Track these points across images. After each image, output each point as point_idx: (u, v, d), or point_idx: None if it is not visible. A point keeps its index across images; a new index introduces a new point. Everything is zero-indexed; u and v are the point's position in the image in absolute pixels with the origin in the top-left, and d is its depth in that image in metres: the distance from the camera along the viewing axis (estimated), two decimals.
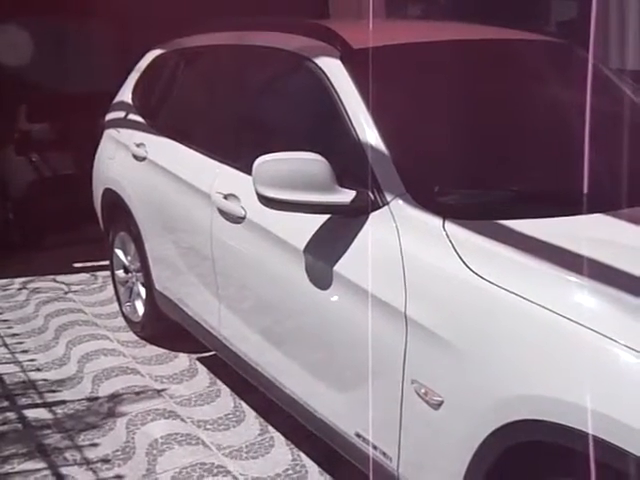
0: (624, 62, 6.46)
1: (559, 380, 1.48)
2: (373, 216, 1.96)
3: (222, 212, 2.57)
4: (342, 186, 1.99)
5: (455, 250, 1.74)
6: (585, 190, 1.84)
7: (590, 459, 1.40)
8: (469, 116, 2.15)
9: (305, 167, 1.97)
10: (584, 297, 1.55)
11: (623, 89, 2.63)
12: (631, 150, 2.04)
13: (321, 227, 2.09)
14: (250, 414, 2.86)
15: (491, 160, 2.11)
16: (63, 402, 3.00)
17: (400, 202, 1.92)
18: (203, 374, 3.22)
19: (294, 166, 1.99)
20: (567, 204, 1.88)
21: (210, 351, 3.10)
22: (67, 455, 2.63)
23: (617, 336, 1.42)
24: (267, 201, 2.01)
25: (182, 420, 2.84)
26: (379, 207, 1.95)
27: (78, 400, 3.02)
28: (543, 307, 1.54)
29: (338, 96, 2.19)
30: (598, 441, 1.39)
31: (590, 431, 1.40)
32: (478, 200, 1.94)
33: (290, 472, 2.49)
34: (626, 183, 1.92)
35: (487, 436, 1.60)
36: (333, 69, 2.27)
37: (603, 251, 1.70)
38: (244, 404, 2.93)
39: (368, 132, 2.07)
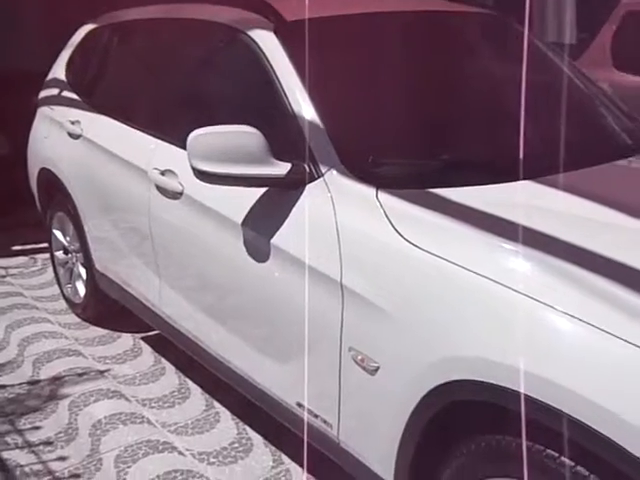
0: (560, 36, 6.59)
1: (489, 342, 1.53)
2: (309, 188, 1.98)
3: (160, 188, 2.54)
4: (278, 159, 2.00)
5: (388, 219, 1.77)
6: (515, 158, 1.89)
7: (522, 417, 1.46)
8: (402, 88, 2.18)
9: (240, 140, 1.97)
10: (515, 262, 1.60)
11: (554, 60, 2.70)
12: (559, 119, 2.10)
13: (258, 200, 2.10)
14: (196, 391, 2.86)
15: (424, 130, 2.14)
16: (3, 387, 2.94)
17: (335, 173, 1.94)
18: (147, 353, 3.20)
19: (229, 139, 1.98)
20: (497, 172, 1.93)
21: (154, 330, 3.09)
22: (8, 439, 2.59)
23: (546, 299, 1.47)
24: (202, 175, 2.00)
25: (126, 399, 2.82)
26: (314, 179, 1.97)
27: (19, 384, 2.96)
28: (474, 272, 1.59)
29: (272, 69, 2.19)
30: (529, 399, 1.43)
31: (521, 390, 1.44)
32: (410, 170, 1.97)
33: (236, 445, 2.52)
34: (554, 150, 1.98)
35: (422, 398, 1.64)
36: (267, 42, 2.26)
37: (532, 217, 1.75)
38: (189, 381, 2.93)
39: (303, 105, 2.07)
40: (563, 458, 1.43)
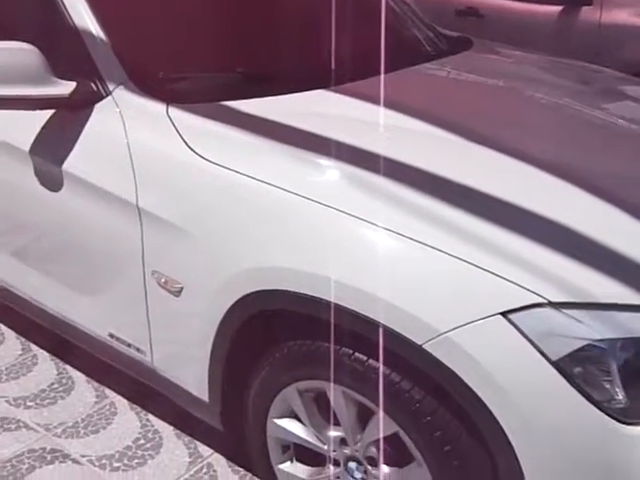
0: None
1: (286, 252, 1.53)
2: (97, 107, 1.84)
3: None
4: (61, 78, 1.84)
5: (180, 135, 1.70)
6: (309, 67, 1.89)
7: (326, 323, 1.49)
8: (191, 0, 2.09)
9: (13, 58, 1.78)
10: (312, 172, 1.60)
11: None
12: (355, 27, 2.11)
13: (45, 125, 1.93)
14: (10, 335, 2.68)
15: (216, 42, 2.05)
16: None
17: (123, 90, 1.82)
18: None
19: (1, 58, 1.80)
20: (291, 82, 1.90)
21: None
22: None
23: (345, 207, 1.48)
24: None
25: None
26: (102, 97, 1.84)
27: None
28: (271, 184, 1.57)
29: None
30: (332, 306, 1.45)
31: (324, 297, 1.46)
32: (202, 83, 1.90)
33: (56, 386, 2.40)
34: (349, 59, 1.99)
35: (226, 312, 1.64)
36: None
37: (327, 125, 1.76)
38: (2, 326, 2.74)
39: (85, 19, 1.90)
40: (371, 361, 1.48)
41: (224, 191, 1.64)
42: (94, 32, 1.89)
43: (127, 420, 2.26)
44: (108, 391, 2.37)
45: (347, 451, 1.62)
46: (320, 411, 1.64)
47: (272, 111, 1.78)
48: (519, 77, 2.46)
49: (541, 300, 1.28)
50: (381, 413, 1.49)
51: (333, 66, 1.94)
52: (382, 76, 2.00)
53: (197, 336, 1.74)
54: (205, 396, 1.81)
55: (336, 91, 1.89)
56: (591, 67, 2.68)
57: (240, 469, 2.06)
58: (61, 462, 2.10)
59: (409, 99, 1.97)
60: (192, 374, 1.82)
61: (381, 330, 1.39)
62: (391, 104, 1.85)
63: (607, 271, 1.33)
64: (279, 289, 1.55)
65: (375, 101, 1.88)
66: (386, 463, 1.56)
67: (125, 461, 2.10)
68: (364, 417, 1.56)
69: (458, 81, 2.35)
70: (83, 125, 1.86)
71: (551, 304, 1.28)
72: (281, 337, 1.64)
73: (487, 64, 2.54)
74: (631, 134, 2.02)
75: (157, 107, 1.77)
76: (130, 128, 1.78)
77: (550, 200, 1.53)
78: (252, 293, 1.58)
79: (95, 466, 2.09)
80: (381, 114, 1.83)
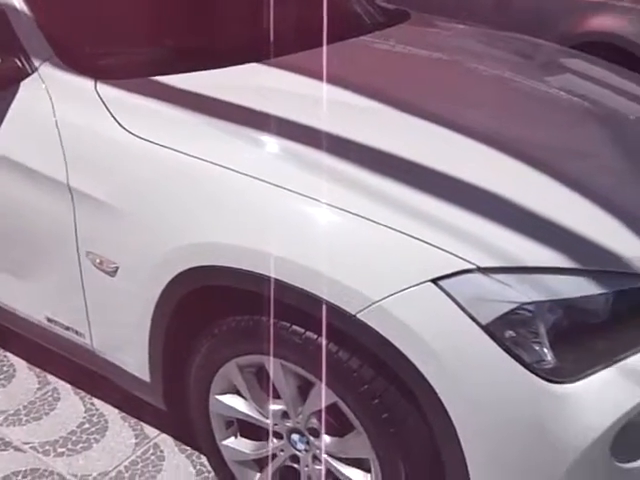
0: None
1: (224, 228, 1.52)
2: (23, 85, 1.79)
3: None
4: None
5: (109, 111, 1.66)
6: (242, 40, 1.86)
7: (264, 297, 1.48)
8: None
9: None
10: (247, 147, 1.58)
11: None
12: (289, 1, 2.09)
13: None
14: None
15: (144, 16, 1.99)
16: None
17: (49, 67, 1.77)
18: None
19: None
20: (223, 55, 1.88)
21: None
22: None
23: (276, 180, 1.47)
24: None
25: None
26: (28, 74, 1.78)
27: None
28: (204, 160, 1.55)
29: None
30: (269, 280, 1.44)
31: (257, 271, 1.45)
32: (131, 58, 1.86)
33: None
34: (283, 31, 1.96)
35: (164, 289, 1.61)
36: None
37: (262, 99, 1.75)
38: None
39: None
40: (308, 333, 1.48)
41: (157, 168, 1.60)
42: (17, 6, 1.82)
43: (71, 405, 2.23)
44: (50, 377, 2.33)
45: (289, 424, 1.63)
46: (261, 385, 1.64)
47: (205, 86, 1.75)
48: (457, 50, 2.47)
49: (470, 266, 1.30)
50: (323, 385, 1.49)
51: (267, 39, 1.91)
52: (318, 49, 1.99)
53: (135, 316, 1.71)
54: (146, 376, 1.79)
55: (270, 64, 1.87)
56: (531, 40, 2.70)
57: (187, 448, 2.05)
58: (3, 450, 2.06)
59: (346, 72, 1.96)
60: (132, 355, 1.79)
61: (316, 302, 1.39)
62: (327, 77, 1.84)
63: (534, 236, 1.36)
64: (215, 265, 1.53)
65: (311, 74, 1.86)
66: (327, 433, 1.57)
67: (69, 446, 2.07)
68: (304, 389, 1.56)
69: (395, 54, 2.35)
70: (9, 104, 1.80)
71: (480, 269, 1.30)
72: (219, 313, 1.63)
73: (424, 37, 2.54)
74: (570, 107, 2.05)
75: (85, 83, 1.72)
76: (57, 105, 1.73)
77: (481, 169, 1.55)
78: (188, 270, 1.56)
79: (39, 452, 2.05)
80: (317, 88, 1.82)
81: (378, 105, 1.78)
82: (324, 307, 1.40)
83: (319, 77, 1.84)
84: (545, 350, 1.31)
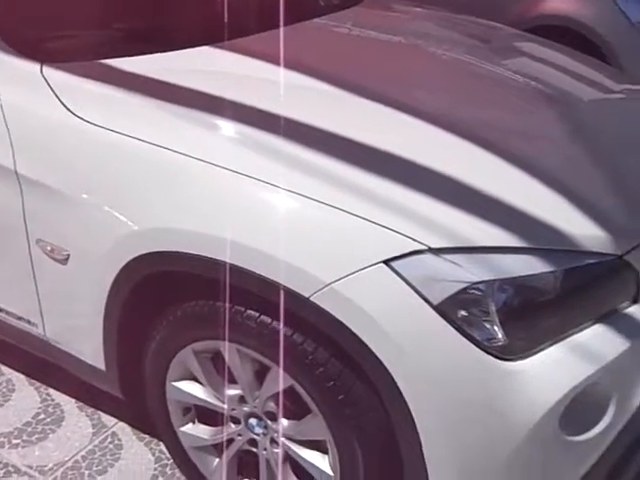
0: None
1: (177, 213, 1.49)
2: None
3: None
4: None
5: (56, 95, 1.62)
6: (193, 23, 1.83)
7: (218, 282, 1.47)
8: None
9: None
10: (197, 131, 1.55)
11: None
12: None
13: None
14: None
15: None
16: None
17: None
18: None
19: None
20: (173, 38, 1.85)
21: None
22: None
23: (230, 164, 1.46)
24: None
25: None
26: None
27: None
28: (156, 145, 1.52)
29: None
30: (223, 264, 1.43)
31: (211, 256, 1.44)
32: (79, 41, 1.82)
33: None
34: (234, 15, 1.94)
35: (117, 275, 1.59)
36: None
37: (214, 83, 1.72)
38: None
39: None
40: (263, 317, 1.47)
41: (107, 153, 1.58)
42: None
43: (26, 396, 2.19)
44: (5, 368, 2.29)
45: (246, 408, 1.63)
46: (217, 371, 1.63)
47: (155, 69, 1.72)
48: (412, 33, 2.46)
49: (421, 247, 1.31)
50: (281, 370, 1.48)
51: (219, 22, 1.89)
52: (271, 32, 1.98)
53: (88, 304, 1.68)
54: (102, 365, 1.77)
55: (223, 47, 1.84)
56: (487, 23, 2.72)
57: (145, 436, 2.04)
58: None
59: (300, 55, 1.94)
60: (86, 343, 1.77)
61: (270, 286, 1.39)
62: (280, 61, 1.82)
63: (484, 216, 1.37)
64: (169, 251, 1.51)
65: (264, 58, 1.85)
66: (285, 416, 1.57)
67: (24, 437, 2.04)
68: (260, 373, 1.56)
69: (350, 37, 2.34)
70: None
71: (431, 250, 1.31)
72: (174, 299, 1.61)
73: (379, 19, 2.54)
74: (524, 89, 2.07)
75: (31, 67, 1.68)
76: (3, 90, 1.68)
77: (432, 151, 1.56)
78: (142, 256, 1.54)
79: None
80: (271, 71, 1.81)
81: (331, 88, 1.76)
82: (278, 291, 1.40)
83: (272, 60, 1.83)
84: (496, 328, 1.33)
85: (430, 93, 1.89)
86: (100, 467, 1.94)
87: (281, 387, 1.52)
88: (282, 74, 1.79)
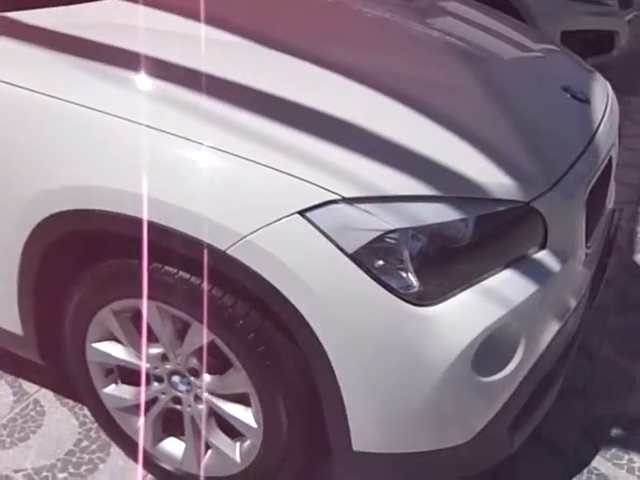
0: None
1: (95, 170, 1.45)
2: None
3: None
4: None
5: None
6: None
7: (135, 239, 1.45)
8: None
9: None
10: (114, 88, 1.51)
11: None
12: None
13: None
14: None
15: None
16: None
17: None
18: None
19: None
20: None
21: None
22: None
23: (141, 119, 1.42)
24: None
25: None
26: None
27: None
28: (68, 101, 1.47)
29: None
30: (139, 221, 1.41)
31: (127, 212, 1.42)
32: None
33: None
34: None
35: (29, 236, 1.54)
36: None
37: (125, 36, 1.66)
38: None
39: None
40: (181, 273, 1.47)
41: (14, 110, 1.52)
42: None
43: None
44: None
45: (169, 366, 1.62)
46: (138, 330, 1.62)
47: (62, 23, 1.65)
48: None
49: (335, 197, 1.32)
50: (205, 327, 1.48)
51: None
52: None
53: (0, 266, 1.64)
54: (19, 330, 1.72)
55: (132, 0, 1.79)
56: None
57: (68, 401, 2.01)
58: None
59: (213, 9, 1.90)
60: (1, 308, 1.72)
61: (187, 241, 1.38)
62: (195, 15, 1.79)
63: (396, 166, 1.40)
64: (86, 209, 1.48)
65: (173, 11, 1.80)
66: (207, 372, 1.57)
67: None
68: (181, 330, 1.56)
69: None
70: None
71: (345, 200, 1.33)
72: (91, 259, 1.59)
73: None
74: (445, 47, 2.10)
75: None
76: None
77: (344, 102, 1.56)
78: (57, 214, 1.50)
79: None
80: (182, 24, 1.77)
81: (246, 42, 1.74)
82: (196, 246, 1.39)
83: (187, 15, 1.79)
84: (410, 276, 1.36)
85: (348, 48, 1.89)
86: (22, 434, 1.91)
87: (205, 342, 1.52)
88: (193, 27, 1.75)
